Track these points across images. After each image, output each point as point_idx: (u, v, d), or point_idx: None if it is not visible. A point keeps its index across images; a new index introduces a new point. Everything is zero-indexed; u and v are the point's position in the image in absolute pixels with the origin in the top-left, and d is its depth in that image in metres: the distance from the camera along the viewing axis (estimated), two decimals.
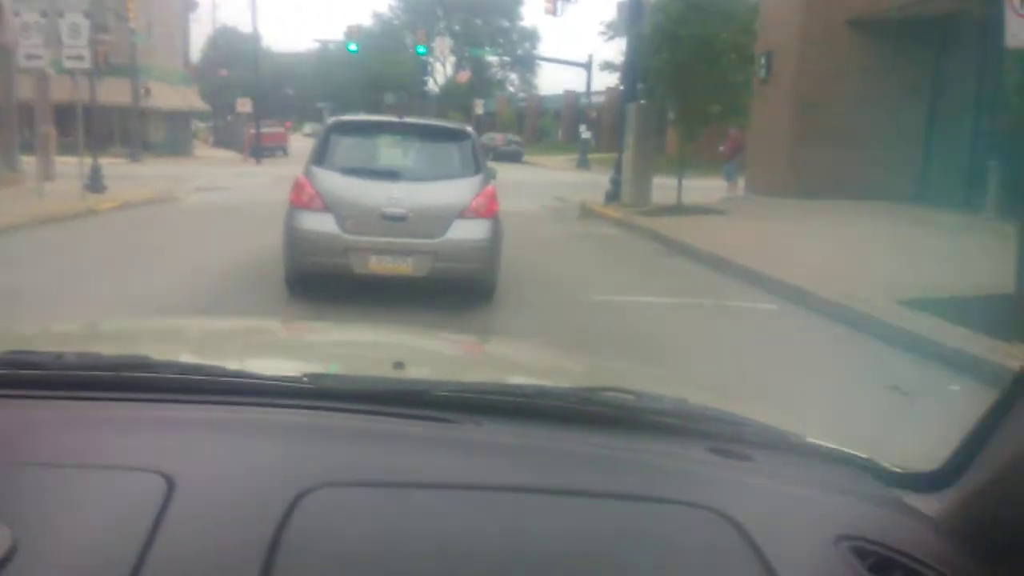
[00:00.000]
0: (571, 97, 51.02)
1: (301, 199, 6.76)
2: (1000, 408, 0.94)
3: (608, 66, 20.42)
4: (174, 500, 0.85)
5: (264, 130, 37.22)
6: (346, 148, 7.20)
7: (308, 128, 67.81)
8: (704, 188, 18.43)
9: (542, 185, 23.22)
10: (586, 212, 16.43)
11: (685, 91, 15.03)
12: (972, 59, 14.75)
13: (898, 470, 1.12)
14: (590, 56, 34.97)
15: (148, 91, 34.22)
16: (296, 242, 6.75)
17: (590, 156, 35.30)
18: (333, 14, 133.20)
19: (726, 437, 1.12)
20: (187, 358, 1.49)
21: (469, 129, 7.81)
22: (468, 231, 6.66)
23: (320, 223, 6.64)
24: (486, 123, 54.09)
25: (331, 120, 7.85)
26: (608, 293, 7.90)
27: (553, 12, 27.00)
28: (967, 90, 15.15)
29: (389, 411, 1.08)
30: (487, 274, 6.88)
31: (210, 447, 0.99)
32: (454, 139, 7.36)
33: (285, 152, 40.57)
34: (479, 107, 48.47)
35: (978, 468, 0.94)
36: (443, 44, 33.91)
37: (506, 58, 78.28)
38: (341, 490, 0.90)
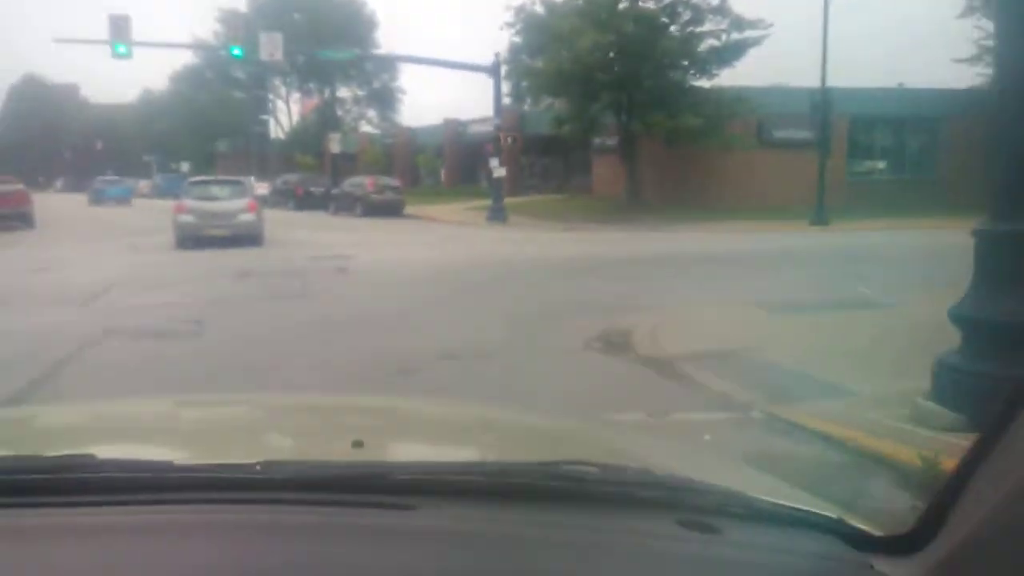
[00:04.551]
0: (453, 127, 42.86)
1: (179, 209, 19.28)
2: (970, 463, 0.95)
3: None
4: None
5: None
6: (193, 187, 20.79)
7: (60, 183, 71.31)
8: None
9: (487, 287, 11.71)
10: None
11: None
12: None
13: (871, 531, 1.13)
14: (497, 57, 26.60)
15: None
16: (179, 227, 18.87)
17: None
18: (156, 59, 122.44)
19: (693, 508, 1.12)
20: (132, 450, 1.47)
21: (242, 179, 25.10)
22: (248, 218, 19.22)
23: (187, 218, 18.94)
24: (345, 166, 45.17)
25: (189, 179, 24.43)
26: None
27: None
28: None
29: (347, 499, 1.08)
30: (257, 236, 19.08)
31: (158, 555, 0.97)
32: (237, 184, 21.65)
33: (29, 222, 25.12)
34: (334, 143, 39.30)
35: (952, 529, 0.95)
36: (273, 43, 24.56)
37: (360, 92, 70.09)
38: None
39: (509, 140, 27.24)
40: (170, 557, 0.96)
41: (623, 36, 25.25)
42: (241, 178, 25.26)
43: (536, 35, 29.89)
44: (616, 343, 7.07)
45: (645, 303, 9.44)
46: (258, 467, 1.11)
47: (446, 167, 44.46)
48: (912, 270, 12.39)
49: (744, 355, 6.13)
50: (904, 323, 7.02)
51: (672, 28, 27.22)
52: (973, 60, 32.08)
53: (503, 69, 28.59)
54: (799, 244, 18.53)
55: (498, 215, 26.35)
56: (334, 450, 1.46)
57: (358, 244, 18.29)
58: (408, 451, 1.67)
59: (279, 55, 26.48)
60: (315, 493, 1.07)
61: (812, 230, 24.14)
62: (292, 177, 39.45)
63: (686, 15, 26.99)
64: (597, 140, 32.71)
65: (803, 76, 31.69)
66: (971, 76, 34.08)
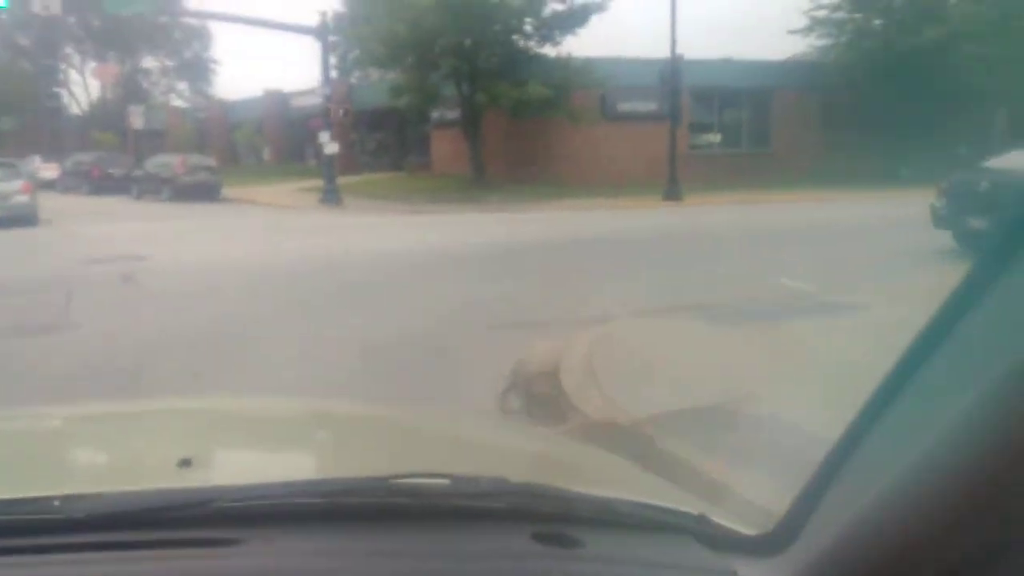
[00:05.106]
0: (275, 100, 38.96)
1: None
2: (836, 457, 0.91)
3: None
4: None
5: None
6: None
7: None
8: None
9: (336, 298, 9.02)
10: None
11: None
12: None
13: (733, 530, 1.10)
14: (324, 16, 23.23)
15: None
16: None
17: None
18: None
19: (551, 518, 1.07)
20: None
21: (15, 160, 22.53)
22: (22, 199, 18.66)
23: None
24: (152, 144, 40.11)
25: None
26: None
27: None
28: None
29: (160, 539, 0.95)
30: (31, 217, 18.34)
31: None
32: (12, 167, 20.14)
33: None
34: (136, 118, 34.47)
35: (815, 527, 0.92)
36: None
37: (168, 63, 63.60)
38: None
39: (341, 112, 24.16)
40: None
41: None
42: (14, 159, 23.10)
43: (359, 10, 26.90)
44: (543, 395, 4.70)
45: (544, 314, 7.30)
46: (56, 503, 0.98)
47: (269, 143, 40.32)
48: (807, 252, 10.97)
49: (743, 413, 4.05)
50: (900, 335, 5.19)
51: None
52: (805, 31, 32.13)
53: (331, 37, 25.49)
54: (666, 222, 17.05)
55: (332, 197, 23.23)
56: (158, 471, 1.30)
57: (159, 238, 14.84)
58: (242, 467, 1.41)
59: (56, 8, 22.00)
60: (124, 533, 0.95)
61: (667, 205, 22.99)
62: (86, 157, 34.13)
63: None
64: (436, 114, 30.24)
65: (636, 48, 30.74)
66: (802, 47, 34.35)
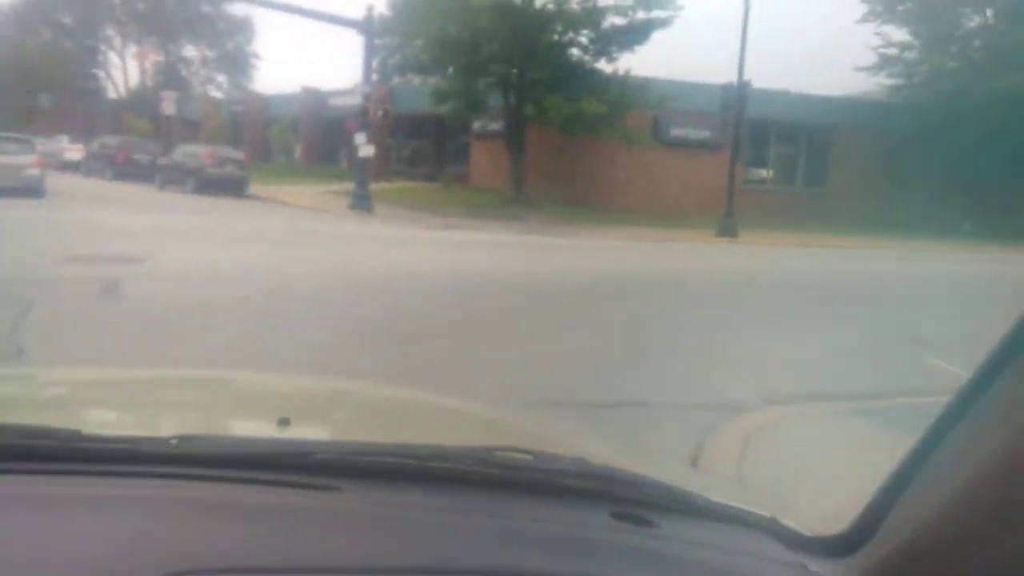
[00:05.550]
0: (313, 98, 37.48)
1: None
2: (908, 466, 0.93)
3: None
4: None
5: None
6: None
7: None
8: None
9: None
10: None
11: None
12: None
13: (805, 532, 1.10)
14: (370, 11, 21.52)
15: None
16: None
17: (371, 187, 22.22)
18: None
19: (628, 500, 1.10)
20: (38, 417, 1.33)
21: (28, 137, 22.31)
22: (33, 172, 19.65)
23: None
24: (186, 134, 38.77)
25: None
26: None
27: None
28: None
29: (266, 478, 1.02)
30: (39, 190, 19.46)
31: (53, 530, 0.90)
32: (27, 142, 20.99)
33: None
34: (168, 104, 33.03)
35: (888, 530, 0.94)
36: None
37: (209, 53, 62.68)
38: None
39: (380, 113, 22.45)
40: (68, 530, 0.90)
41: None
42: (32, 136, 23.60)
43: (407, 11, 25.38)
44: None
45: (635, 389, 5.41)
46: (174, 441, 1.05)
47: (302, 142, 38.78)
48: (923, 316, 9.06)
49: None
50: None
51: None
52: (874, 69, 30.21)
53: (376, 40, 23.92)
54: (733, 265, 15.19)
55: (362, 203, 21.53)
56: (259, 427, 1.42)
57: (166, 235, 12.97)
58: (336, 431, 1.56)
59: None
60: (233, 470, 1.02)
61: (722, 242, 21.10)
62: (112, 140, 32.69)
63: None
64: (477, 124, 28.58)
65: (686, 72, 28.89)
66: (869, 85, 32.43)
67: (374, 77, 25.14)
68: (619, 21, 24.04)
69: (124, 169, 30.08)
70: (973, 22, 30.02)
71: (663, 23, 23.97)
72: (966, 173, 28.07)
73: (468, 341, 6.71)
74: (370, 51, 21.99)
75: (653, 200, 26.54)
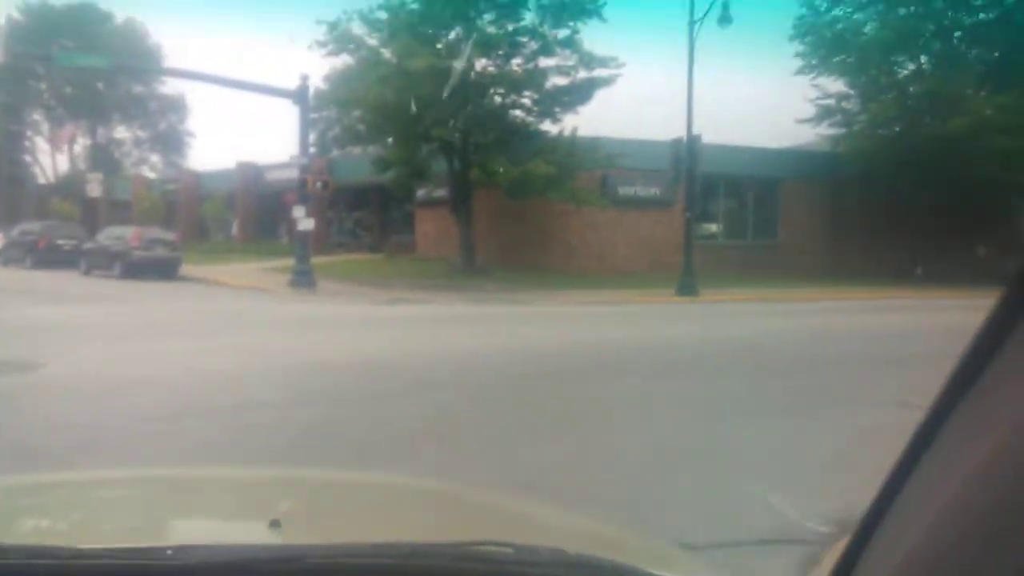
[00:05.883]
0: (249, 172, 36.19)
1: None
2: (872, 516, 0.94)
3: None
4: None
5: None
6: None
7: None
8: None
9: None
10: None
11: None
12: None
13: None
14: (304, 80, 20.41)
15: None
16: None
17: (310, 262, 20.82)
18: None
19: None
20: (33, 533, 1.41)
21: None
22: None
23: None
24: (114, 213, 37.02)
25: None
26: None
27: None
28: None
29: None
30: None
31: None
32: None
33: None
34: (94, 186, 31.39)
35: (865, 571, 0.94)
36: None
37: (141, 133, 61.09)
38: None
39: (319, 185, 21.25)
40: None
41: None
42: None
43: (343, 82, 24.53)
44: None
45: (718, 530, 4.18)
46: (170, 552, 1.08)
47: (239, 218, 37.29)
48: (901, 368, 8.03)
49: None
50: None
51: (515, 61, 22.81)
52: (815, 120, 30.21)
53: (312, 115, 22.93)
54: (705, 328, 14.16)
55: (304, 279, 20.15)
56: (251, 530, 1.46)
57: (77, 330, 11.44)
58: (326, 531, 1.55)
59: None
60: None
61: (683, 302, 20.21)
62: (34, 226, 30.80)
63: (532, 45, 22.62)
64: (421, 191, 27.58)
65: (629, 130, 28.28)
66: (812, 136, 32.44)
67: (312, 149, 24.10)
68: (561, 81, 23.49)
69: (46, 256, 28.20)
70: (908, 69, 30.34)
71: (605, 82, 23.46)
72: (910, 218, 28.03)
73: (438, 462, 5.39)
74: (306, 121, 20.91)
75: (605, 261, 25.73)
